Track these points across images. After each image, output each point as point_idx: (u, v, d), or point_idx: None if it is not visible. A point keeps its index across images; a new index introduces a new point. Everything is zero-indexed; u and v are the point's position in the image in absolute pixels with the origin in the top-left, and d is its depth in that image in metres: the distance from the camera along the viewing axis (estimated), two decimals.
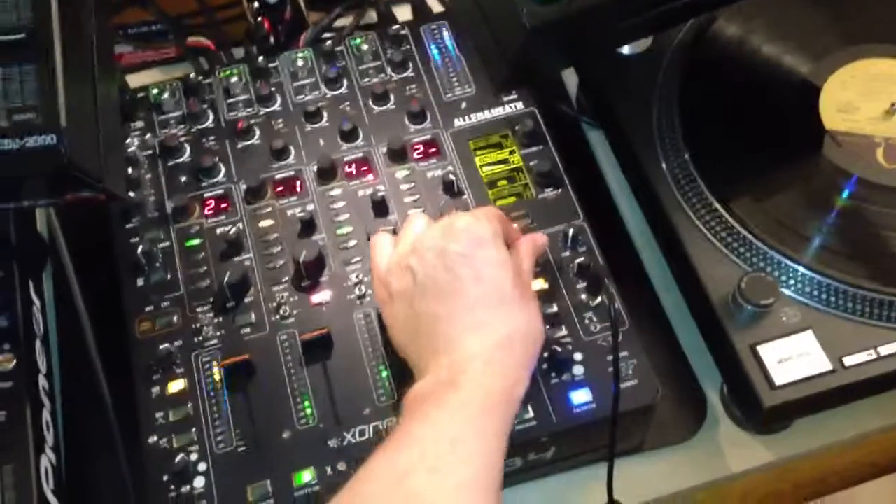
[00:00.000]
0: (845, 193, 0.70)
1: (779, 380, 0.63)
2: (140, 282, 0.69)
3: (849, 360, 0.63)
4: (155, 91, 0.78)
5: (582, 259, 0.67)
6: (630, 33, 0.65)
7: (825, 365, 0.63)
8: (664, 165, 0.73)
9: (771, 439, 0.71)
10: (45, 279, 0.80)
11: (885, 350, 0.63)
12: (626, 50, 0.80)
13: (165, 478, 0.60)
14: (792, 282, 0.66)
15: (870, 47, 0.76)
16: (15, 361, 0.67)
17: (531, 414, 0.61)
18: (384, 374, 0.63)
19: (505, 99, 0.76)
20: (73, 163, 0.52)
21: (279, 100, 0.78)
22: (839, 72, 0.75)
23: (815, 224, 0.69)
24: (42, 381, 0.70)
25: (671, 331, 0.75)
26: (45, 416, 0.69)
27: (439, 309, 0.56)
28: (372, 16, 0.91)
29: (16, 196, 0.58)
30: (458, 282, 0.56)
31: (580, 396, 0.62)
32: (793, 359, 0.63)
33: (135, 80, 0.91)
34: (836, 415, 0.69)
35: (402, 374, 0.60)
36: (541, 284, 0.66)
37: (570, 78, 0.90)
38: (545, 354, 0.63)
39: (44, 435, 0.67)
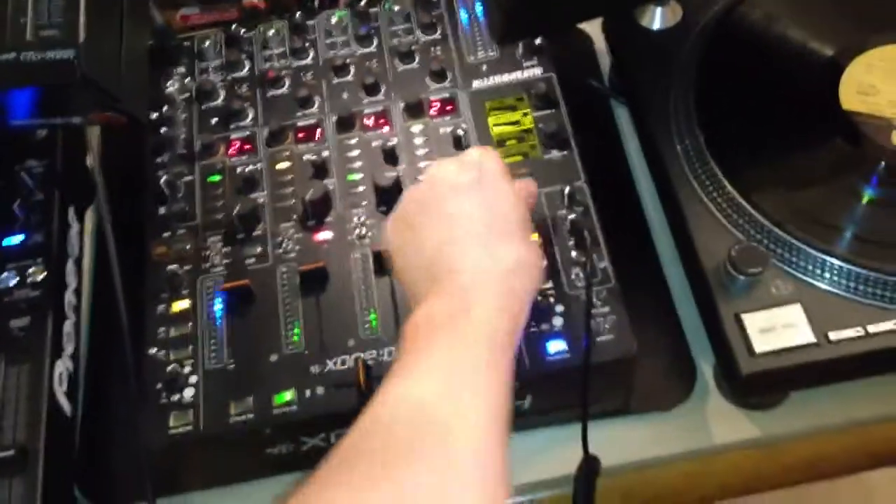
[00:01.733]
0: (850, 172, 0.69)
1: (759, 348, 0.62)
2: (162, 210, 0.73)
3: (834, 335, 0.62)
4: (198, 40, 0.84)
5: (574, 216, 0.68)
6: None
7: (809, 337, 0.62)
8: (676, 137, 0.74)
9: (760, 416, 0.70)
10: (92, 213, 0.86)
11: (873, 328, 0.62)
12: (655, 24, 0.81)
13: (159, 386, 0.64)
14: (787, 255, 0.66)
15: None
16: (45, 273, 0.73)
17: None
18: (372, 311, 0.66)
19: (525, 64, 0.78)
20: (88, 77, 0.57)
21: (311, 54, 0.82)
22: (866, 55, 0.73)
23: (815, 200, 0.68)
24: (69, 297, 0.76)
25: (671, 303, 0.76)
26: (68, 327, 0.74)
27: (446, 233, 0.55)
28: None
29: (46, 112, 0.64)
30: (466, 207, 0.56)
31: (555, 346, 0.63)
32: (777, 329, 0.63)
33: None
34: (831, 397, 0.69)
35: None
36: (533, 238, 0.68)
37: (604, 59, 0.91)
38: None
39: (62, 344, 0.72)
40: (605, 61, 0.91)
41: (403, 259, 0.58)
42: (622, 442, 0.69)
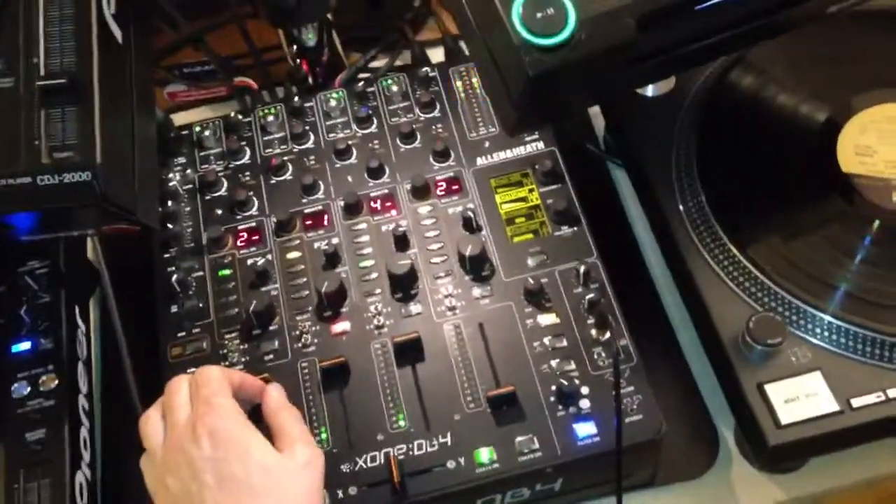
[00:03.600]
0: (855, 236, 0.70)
1: (785, 419, 0.63)
2: (174, 308, 0.73)
3: (857, 402, 0.63)
4: (197, 129, 0.83)
5: (592, 295, 0.68)
6: (635, 81, 0.67)
7: (832, 406, 0.63)
8: (681, 206, 0.75)
9: (784, 479, 0.71)
10: (94, 305, 0.85)
11: (893, 392, 0.63)
12: (649, 92, 0.82)
13: None
14: (802, 322, 0.67)
15: (891, 91, 0.76)
16: (57, 381, 0.72)
17: (536, 445, 0.63)
18: (398, 403, 0.66)
19: (527, 139, 0.79)
20: (107, 197, 0.57)
21: (312, 137, 0.82)
22: (858, 116, 0.75)
23: (825, 265, 0.69)
24: (82, 402, 0.75)
25: (687, 368, 0.76)
26: (84, 434, 0.73)
27: None
28: (406, 57, 0.95)
29: (58, 227, 0.63)
30: (205, 488, 0.54)
31: (585, 429, 0.63)
32: (800, 399, 0.64)
33: (186, 117, 0.97)
34: (851, 456, 0.69)
35: None
36: (552, 319, 0.68)
37: (598, 119, 0.92)
38: (552, 387, 0.65)
39: (81, 452, 0.71)
40: (598, 122, 0.93)
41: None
42: None
